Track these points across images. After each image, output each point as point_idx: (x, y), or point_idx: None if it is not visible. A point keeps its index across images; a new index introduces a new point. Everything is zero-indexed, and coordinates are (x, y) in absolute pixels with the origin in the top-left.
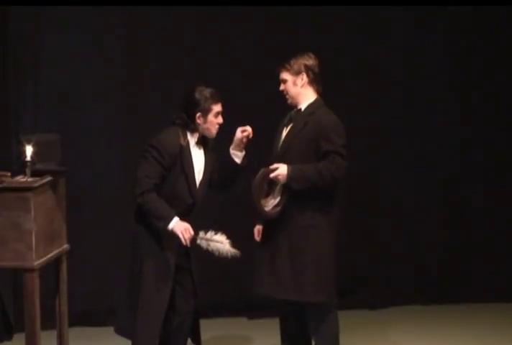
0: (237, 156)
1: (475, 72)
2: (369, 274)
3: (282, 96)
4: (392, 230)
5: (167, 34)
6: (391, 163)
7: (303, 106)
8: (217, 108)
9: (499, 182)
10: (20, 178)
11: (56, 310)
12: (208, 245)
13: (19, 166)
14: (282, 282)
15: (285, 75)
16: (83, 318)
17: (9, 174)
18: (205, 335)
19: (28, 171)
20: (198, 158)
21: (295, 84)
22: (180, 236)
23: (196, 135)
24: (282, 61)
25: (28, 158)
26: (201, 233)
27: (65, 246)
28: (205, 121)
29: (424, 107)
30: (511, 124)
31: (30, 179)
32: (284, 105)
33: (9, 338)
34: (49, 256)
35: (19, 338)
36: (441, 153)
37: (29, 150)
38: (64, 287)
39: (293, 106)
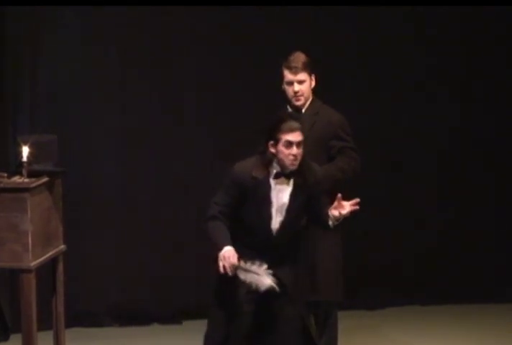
0: (332, 220)
1: (476, 72)
2: (368, 275)
3: (286, 97)
4: (392, 230)
5: (167, 33)
6: (391, 162)
7: (304, 107)
8: (287, 137)
9: (499, 182)
10: (17, 179)
11: (53, 311)
12: (246, 276)
13: (15, 167)
14: (312, 284)
15: (303, 76)
16: (80, 319)
17: (6, 175)
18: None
19: (24, 172)
20: (281, 193)
21: (311, 85)
22: (220, 263)
23: (276, 167)
24: (286, 61)
25: (24, 159)
26: (241, 263)
27: (62, 246)
28: (276, 151)
29: (424, 106)
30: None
31: (27, 180)
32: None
33: (6, 338)
34: (45, 256)
35: (15, 339)
36: (442, 153)
37: (25, 151)
38: (60, 287)
39: (296, 107)
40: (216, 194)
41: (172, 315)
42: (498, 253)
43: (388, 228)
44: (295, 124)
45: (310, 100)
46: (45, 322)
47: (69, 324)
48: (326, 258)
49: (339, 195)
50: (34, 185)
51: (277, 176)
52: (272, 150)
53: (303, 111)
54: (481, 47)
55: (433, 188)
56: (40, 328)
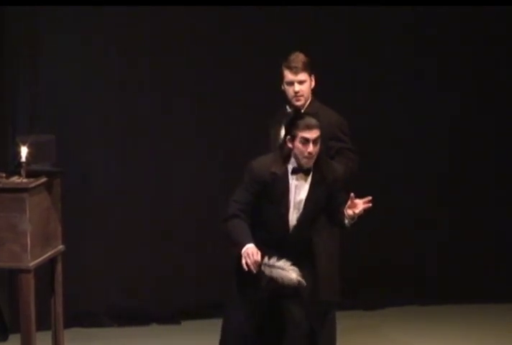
0: (347, 218)
1: (476, 72)
2: (368, 275)
3: (285, 97)
4: (392, 230)
5: (167, 33)
6: (391, 162)
7: (303, 107)
8: (303, 134)
9: (499, 182)
10: (15, 179)
11: (51, 311)
12: (271, 272)
13: (14, 167)
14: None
15: (304, 76)
16: (80, 319)
17: (4, 175)
18: (206, 335)
19: (23, 172)
20: (298, 189)
21: (311, 85)
22: (243, 260)
23: (294, 162)
24: (286, 61)
25: (23, 159)
26: (265, 259)
27: (60, 247)
28: (293, 147)
29: (424, 106)
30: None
31: (25, 180)
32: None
33: (5, 338)
34: (44, 257)
35: (14, 339)
36: (441, 152)
37: (24, 151)
38: (59, 288)
39: (296, 107)
40: (234, 192)
41: (171, 316)
42: (498, 253)
43: (388, 228)
44: (312, 121)
45: (309, 100)
46: (44, 322)
47: (68, 324)
48: (324, 258)
49: (352, 194)
50: (32, 185)
51: (295, 171)
52: (290, 145)
53: (303, 111)
54: (481, 47)
55: (433, 188)
56: (39, 329)
